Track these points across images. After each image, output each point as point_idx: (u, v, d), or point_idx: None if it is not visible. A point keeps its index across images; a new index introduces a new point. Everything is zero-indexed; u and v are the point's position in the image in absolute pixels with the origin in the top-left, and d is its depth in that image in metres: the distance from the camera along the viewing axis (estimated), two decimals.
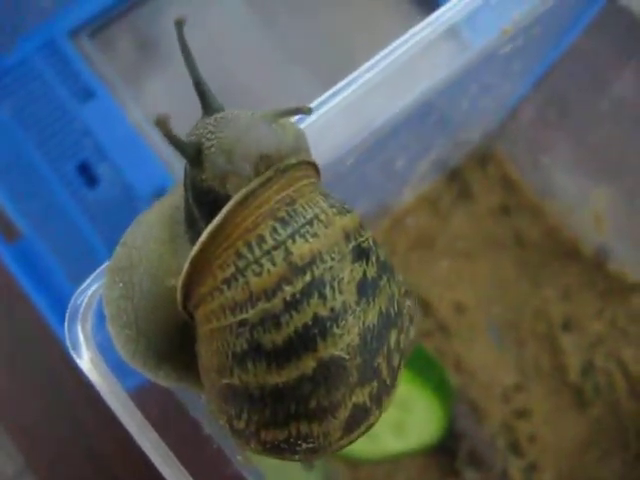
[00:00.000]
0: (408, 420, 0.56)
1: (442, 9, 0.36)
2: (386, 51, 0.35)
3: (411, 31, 0.35)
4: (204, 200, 0.26)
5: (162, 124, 0.24)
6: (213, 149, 0.25)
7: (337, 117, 0.34)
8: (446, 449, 0.58)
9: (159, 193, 0.55)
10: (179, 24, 0.26)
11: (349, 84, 0.34)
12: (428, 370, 0.58)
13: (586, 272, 0.63)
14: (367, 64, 0.35)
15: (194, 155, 0.25)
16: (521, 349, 0.61)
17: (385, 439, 0.56)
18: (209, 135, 0.25)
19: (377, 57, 0.35)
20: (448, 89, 0.38)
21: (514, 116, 0.61)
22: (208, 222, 0.25)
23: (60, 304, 0.52)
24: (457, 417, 0.59)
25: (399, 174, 0.53)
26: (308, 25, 0.63)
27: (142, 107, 0.59)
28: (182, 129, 0.57)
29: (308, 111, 0.26)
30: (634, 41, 0.55)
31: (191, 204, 0.27)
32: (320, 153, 0.28)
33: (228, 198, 0.25)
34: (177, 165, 0.56)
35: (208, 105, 0.27)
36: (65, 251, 0.54)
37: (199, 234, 0.26)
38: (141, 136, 0.56)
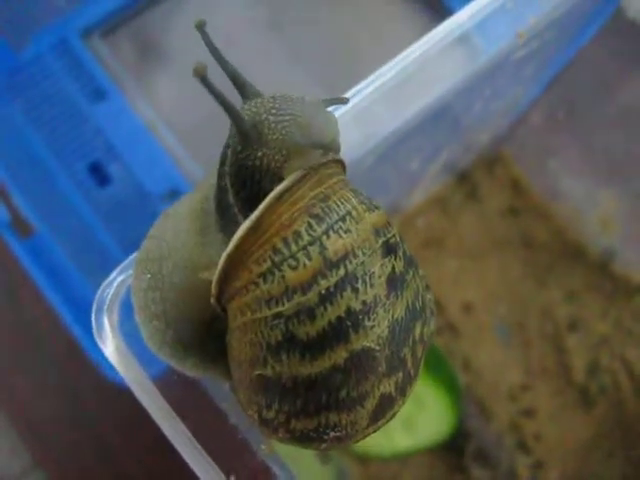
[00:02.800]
0: (419, 416, 0.57)
1: (456, 15, 0.37)
2: (402, 56, 0.36)
3: (425, 37, 0.36)
4: (248, 181, 0.26)
5: (220, 97, 0.25)
6: (286, 123, 0.26)
7: (353, 120, 0.34)
8: (454, 447, 0.59)
9: (170, 191, 0.55)
10: (200, 27, 0.27)
11: (364, 88, 0.35)
12: (440, 368, 0.59)
13: (592, 273, 0.63)
14: (382, 69, 0.35)
15: (250, 130, 0.26)
16: (527, 349, 0.61)
17: (396, 435, 0.56)
18: (274, 111, 0.26)
19: (392, 62, 0.36)
20: (463, 92, 0.38)
21: (523, 120, 0.61)
22: (244, 207, 0.26)
23: (72, 299, 0.53)
24: (465, 416, 0.60)
25: (412, 175, 0.54)
26: (315, 30, 0.63)
27: (152, 107, 0.59)
28: (194, 127, 0.57)
29: (345, 101, 0.29)
30: None
31: (227, 188, 0.27)
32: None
33: (274, 176, 0.26)
34: (187, 163, 0.57)
35: (247, 92, 0.27)
36: (77, 248, 0.54)
37: (232, 220, 0.27)
38: (152, 135, 0.56)
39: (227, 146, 0.27)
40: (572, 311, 0.62)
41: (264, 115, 0.26)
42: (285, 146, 0.26)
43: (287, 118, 0.26)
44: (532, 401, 0.60)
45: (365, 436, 0.28)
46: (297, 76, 0.61)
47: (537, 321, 0.62)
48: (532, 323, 0.62)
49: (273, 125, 0.26)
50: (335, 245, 0.25)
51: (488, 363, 0.61)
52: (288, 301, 0.24)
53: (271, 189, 0.26)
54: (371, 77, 0.35)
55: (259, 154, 0.26)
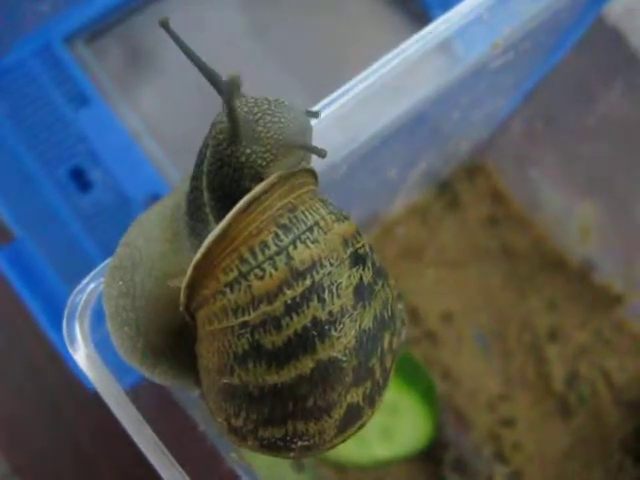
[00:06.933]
0: (396, 425, 0.57)
1: (434, 23, 0.37)
2: (380, 63, 0.36)
3: (405, 44, 0.36)
4: (226, 179, 0.26)
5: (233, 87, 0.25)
6: (281, 124, 0.26)
7: (330, 126, 0.34)
8: (432, 457, 0.59)
9: (152, 199, 0.55)
10: (165, 25, 0.28)
11: (343, 94, 0.35)
12: (416, 377, 0.59)
13: (572, 283, 0.64)
14: (361, 75, 0.35)
15: (241, 125, 0.26)
16: (507, 358, 0.61)
17: (373, 444, 0.56)
18: (270, 112, 0.26)
19: (371, 69, 0.36)
20: (440, 101, 0.39)
21: (503, 129, 0.62)
22: (216, 205, 0.27)
23: (52, 306, 0.52)
24: (443, 425, 0.60)
25: (391, 183, 0.54)
26: (300, 36, 0.63)
27: (136, 114, 0.59)
28: (177, 134, 0.57)
29: (317, 115, 0.29)
30: (621, 60, 0.57)
31: (202, 188, 0.27)
32: (314, 160, 0.28)
33: (255, 175, 0.26)
34: (170, 171, 0.57)
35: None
36: (58, 254, 0.54)
37: (202, 221, 0.27)
38: (134, 142, 0.56)
39: (205, 146, 0.27)
40: (552, 321, 0.63)
41: (259, 114, 0.26)
42: (278, 145, 0.26)
43: (282, 120, 0.26)
44: (511, 411, 0.60)
45: (333, 446, 0.28)
46: (281, 80, 0.61)
47: (517, 331, 0.62)
48: (512, 333, 0.62)
49: (269, 125, 0.26)
50: (302, 255, 0.25)
51: (467, 373, 0.61)
52: (254, 310, 0.25)
53: (250, 187, 0.26)
54: (349, 84, 0.35)
55: (247, 151, 0.26)
